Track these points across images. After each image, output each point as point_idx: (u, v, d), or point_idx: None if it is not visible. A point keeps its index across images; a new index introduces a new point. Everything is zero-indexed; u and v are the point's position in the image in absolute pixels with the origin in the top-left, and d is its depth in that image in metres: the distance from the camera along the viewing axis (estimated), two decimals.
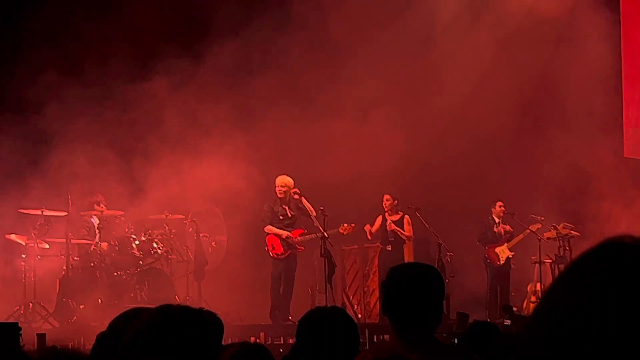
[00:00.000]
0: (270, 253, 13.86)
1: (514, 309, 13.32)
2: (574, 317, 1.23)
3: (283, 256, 13.83)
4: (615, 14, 16.61)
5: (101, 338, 4.04)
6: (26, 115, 14.37)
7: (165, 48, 15.10)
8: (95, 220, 13.30)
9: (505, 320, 11.92)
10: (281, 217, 13.93)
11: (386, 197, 14.45)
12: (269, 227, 13.87)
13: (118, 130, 14.54)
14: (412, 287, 3.59)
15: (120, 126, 14.53)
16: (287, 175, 13.93)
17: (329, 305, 7.38)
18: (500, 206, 15.11)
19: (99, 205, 13.34)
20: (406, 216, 14.44)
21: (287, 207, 13.94)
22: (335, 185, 14.80)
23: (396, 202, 14.44)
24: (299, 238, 13.90)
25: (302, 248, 14.00)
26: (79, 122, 14.27)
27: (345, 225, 13.92)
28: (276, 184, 13.89)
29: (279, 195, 13.88)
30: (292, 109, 15.10)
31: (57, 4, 14.95)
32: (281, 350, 8.99)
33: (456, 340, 8.15)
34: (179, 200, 14.27)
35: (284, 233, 13.83)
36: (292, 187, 13.84)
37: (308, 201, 13.70)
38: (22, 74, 14.63)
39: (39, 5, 14.93)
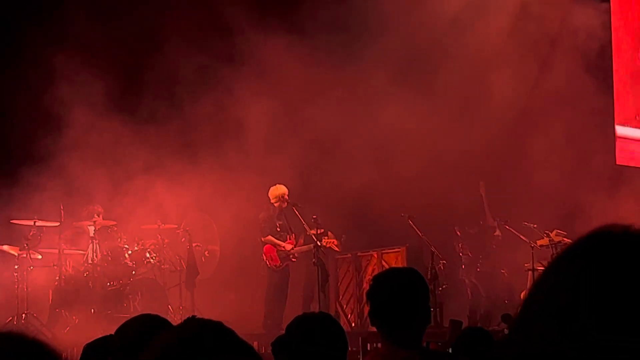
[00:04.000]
0: (268, 264, 13.90)
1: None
2: (560, 311, 1.22)
3: (280, 267, 13.88)
4: (607, 22, 16.68)
5: (88, 349, 4.03)
6: (20, 126, 14.38)
7: (160, 56, 15.12)
8: (91, 230, 13.29)
9: (505, 329, 11.94)
10: (278, 229, 13.96)
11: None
12: (270, 237, 13.90)
13: (110, 140, 14.52)
14: (398, 292, 3.61)
15: (112, 136, 14.50)
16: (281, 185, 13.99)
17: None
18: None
19: (98, 216, 13.35)
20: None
21: (282, 217, 13.99)
22: (330, 196, 14.82)
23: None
24: (294, 249, 13.93)
25: (295, 259, 14.04)
26: (71, 132, 14.26)
27: (326, 238, 13.93)
28: (275, 194, 13.89)
29: (278, 205, 13.89)
30: (286, 120, 15.11)
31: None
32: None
33: (451, 350, 8.15)
34: (172, 210, 14.26)
35: (288, 246, 13.86)
36: (287, 195, 13.91)
37: (299, 210, 13.72)
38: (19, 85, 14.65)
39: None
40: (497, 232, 15.43)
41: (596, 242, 1.30)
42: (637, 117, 17.21)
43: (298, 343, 3.92)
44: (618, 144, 17.08)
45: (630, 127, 17.31)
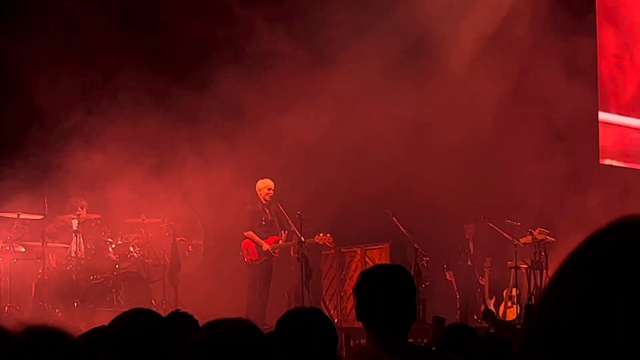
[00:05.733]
0: (245, 258, 13.95)
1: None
2: (578, 309, 1.09)
3: (258, 262, 13.91)
4: (592, 18, 16.76)
5: (83, 339, 4.03)
6: (3, 119, 14.33)
7: (143, 49, 15.09)
8: (74, 224, 13.26)
9: (490, 328, 11.99)
10: (264, 223, 13.99)
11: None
12: (250, 233, 13.94)
13: (95, 133, 14.47)
14: (384, 288, 3.63)
15: (97, 128, 14.46)
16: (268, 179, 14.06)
17: None
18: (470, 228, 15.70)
19: (82, 209, 13.31)
20: None
21: (268, 211, 14.02)
22: (314, 191, 14.83)
23: None
24: (274, 245, 13.96)
25: (277, 255, 14.06)
26: (55, 124, 14.22)
27: (321, 235, 13.99)
28: (262, 187, 13.96)
29: (265, 199, 13.95)
30: (272, 115, 15.09)
31: None
32: None
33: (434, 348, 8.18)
34: (156, 204, 14.24)
35: (265, 245, 13.88)
36: (273, 190, 13.98)
37: (283, 206, 13.77)
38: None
39: None
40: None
41: (618, 239, 1.12)
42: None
43: (289, 338, 3.94)
44: (601, 142, 17.17)
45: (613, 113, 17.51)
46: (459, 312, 15.32)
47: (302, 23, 15.34)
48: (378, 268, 4.11)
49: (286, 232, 14.00)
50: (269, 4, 15.68)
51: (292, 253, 13.99)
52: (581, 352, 1.07)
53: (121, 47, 15.11)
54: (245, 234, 13.96)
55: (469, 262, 15.62)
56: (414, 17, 15.96)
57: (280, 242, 14.01)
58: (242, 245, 13.99)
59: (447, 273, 15.64)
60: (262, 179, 14.10)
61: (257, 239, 13.91)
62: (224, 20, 15.24)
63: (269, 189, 13.98)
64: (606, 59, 17.36)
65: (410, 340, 3.89)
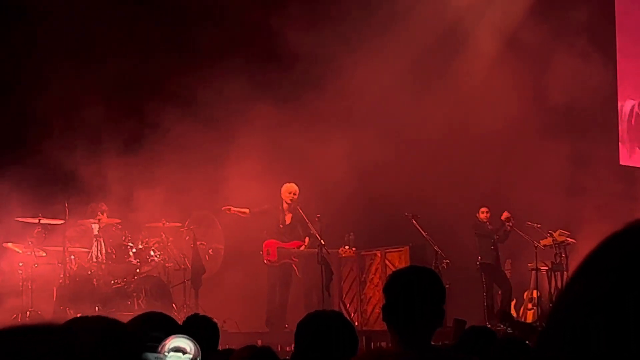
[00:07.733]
0: (265, 259, 13.95)
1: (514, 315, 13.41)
2: (590, 312, 1.09)
3: (277, 264, 13.90)
4: (612, 25, 16.70)
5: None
6: (25, 124, 14.40)
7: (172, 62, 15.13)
8: (95, 228, 13.30)
9: (508, 329, 11.94)
10: (281, 226, 13.99)
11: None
12: (231, 208, 14.00)
13: (114, 138, 14.52)
14: (407, 290, 3.63)
15: (115, 134, 14.51)
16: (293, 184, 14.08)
17: None
18: (483, 212, 15.23)
19: (102, 214, 13.35)
20: None
21: (289, 216, 14.01)
22: (334, 195, 14.84)
23: None
24: (295, 250, 13.98)
25: (296, 260, 14.08)
26: (75, 130, 14.28)
27: (347, 248, 14.11)
28: (284, 191, 13.98)
29: (287, 202, 13.96)
30: (290, 117, 15.11)
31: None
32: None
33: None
34: (176, 208, 14.27)
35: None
36: (297, 195, 14.00)
37: (302, 209, 13.80)
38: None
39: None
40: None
41: (631, 242, 1.13)
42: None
43: (309, 341, 3.95)
44: (621, 144, 17.10)
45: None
46: (486, 306, 15.02)
47: (330, 25, 15.34)
48: (407, 270, 4.10)
49: (309, 239, 14.00)
50: (300, 4, 15.66)
51: (295, 259, 14.07)
52: (594, 353, 1.08)
53: (145, 43, 15.13)
54: (235, 211, 14.01)
55: (492, 247, 15.16)
56: (440, 15, 15.96)
57: (303, 247, 14.02)
58: (264, 244, 14.02)
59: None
60: (289, 183, 14.12)
61: (236, 211, 13.97)
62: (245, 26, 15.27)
63: (289, 193, 13.98)
64: (625, 68, 17.27)
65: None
